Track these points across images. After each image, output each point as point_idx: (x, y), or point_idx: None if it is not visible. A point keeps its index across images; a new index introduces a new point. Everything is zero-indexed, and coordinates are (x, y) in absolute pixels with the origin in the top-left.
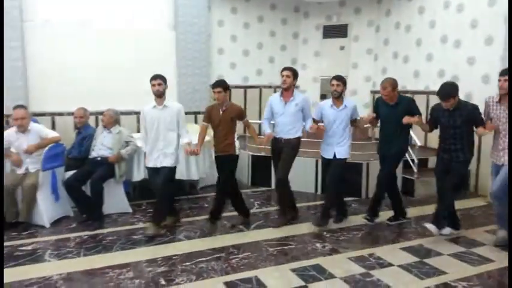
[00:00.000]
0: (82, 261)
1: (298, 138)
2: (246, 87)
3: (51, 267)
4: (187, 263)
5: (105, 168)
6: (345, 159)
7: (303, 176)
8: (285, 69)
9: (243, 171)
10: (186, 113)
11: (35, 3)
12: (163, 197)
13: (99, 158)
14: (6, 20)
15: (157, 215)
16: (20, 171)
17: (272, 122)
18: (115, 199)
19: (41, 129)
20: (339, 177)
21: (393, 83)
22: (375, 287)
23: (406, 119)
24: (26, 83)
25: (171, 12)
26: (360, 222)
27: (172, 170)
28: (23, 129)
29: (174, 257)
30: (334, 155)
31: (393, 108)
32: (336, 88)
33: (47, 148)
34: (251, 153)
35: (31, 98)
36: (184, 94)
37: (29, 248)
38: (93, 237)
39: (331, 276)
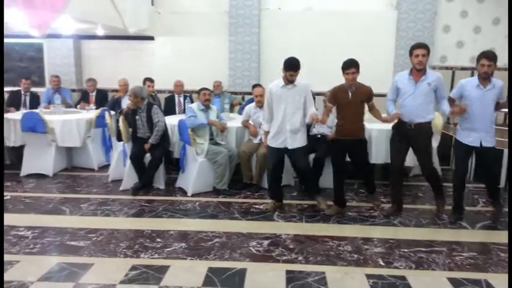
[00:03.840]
0: (304, 226)
1: (430, 122)
2: (473, 69)
3: (279, 227)
4: (405, 250)
5: (326, 146)
6: (494, 147)
7: None
8: (420, 46)
9: None
10: None
11: None
12: (311, 175)
13: (319, 136)
14: (248, 8)
15: (312, 191)
16: (255, 141)
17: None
18: (329, 175)
19: None
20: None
21: None
22: None
23: None
24: (259, 65)
25: None
26: None
27: (305, 148)
28: (260, 104)
29: (390, 241)
30: (481, 143)
31: None
32: (486, 70)
33: None
34: None
35: (262, 78)
36: None
37: (261, 207)
38: (311, 207)
39: None
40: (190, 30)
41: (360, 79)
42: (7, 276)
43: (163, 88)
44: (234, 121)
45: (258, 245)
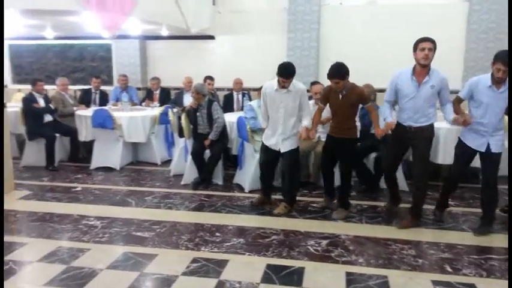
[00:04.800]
0: (365, 227)
1: (432, 126)
2: None
3: (339, 227)
4: (475, 257)
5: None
6: (501, 153)
7: None
8: (426, 40)
9: None
10: None
11: None
12: (292, 180)
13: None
14: (307, 4)
15: (291, 198)
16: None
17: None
18: None
19: None
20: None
21: None
22: None
23: None
24: (318, 61)
25: None
26: None
27: (295, 151)
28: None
29: (458, 246)
30: (488, 148)
31: None
32: (501, 75)
33: None
34: None
35: (320, 75)
36: (472, 71)
37: (318, 205)
38: (372, 208)
39: None
40: (249, 29)
41: None
42: (78, 263)
43: (222, 86)
44: None
45: (316, 244)
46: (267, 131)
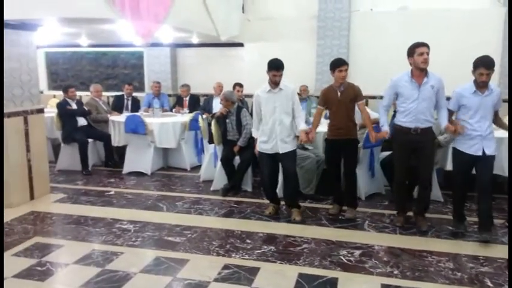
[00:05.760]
0: (398, 238)
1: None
2: None
3: (371, 237)
4: None
5: None
6: (494, 156)
7: None
8: (423, 45)
9: None
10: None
11: None
12: (295, 185)
13: None
14: (337, 11)
15: (297, 201)
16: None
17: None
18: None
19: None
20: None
21: None
22: None
23: None
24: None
25: None
26: None
27: (293, 153)
28: None
29: (499, 260)
30: (484, 152)
31: None
32: (485, 79)
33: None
34: None
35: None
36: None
37: (345, 214)
38: (406, 218)
39: None
40: (279, 36)
41: (459, 81)
42: (113, 266)
43: (251, 93)
44: (321, 126)
45: (349, 255)
46: (262, 138)
